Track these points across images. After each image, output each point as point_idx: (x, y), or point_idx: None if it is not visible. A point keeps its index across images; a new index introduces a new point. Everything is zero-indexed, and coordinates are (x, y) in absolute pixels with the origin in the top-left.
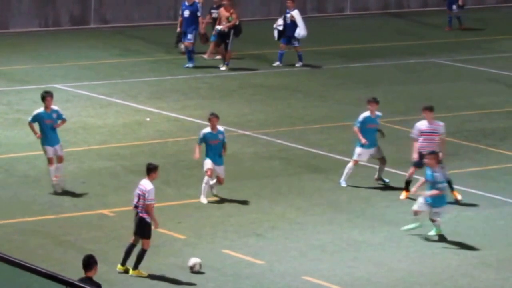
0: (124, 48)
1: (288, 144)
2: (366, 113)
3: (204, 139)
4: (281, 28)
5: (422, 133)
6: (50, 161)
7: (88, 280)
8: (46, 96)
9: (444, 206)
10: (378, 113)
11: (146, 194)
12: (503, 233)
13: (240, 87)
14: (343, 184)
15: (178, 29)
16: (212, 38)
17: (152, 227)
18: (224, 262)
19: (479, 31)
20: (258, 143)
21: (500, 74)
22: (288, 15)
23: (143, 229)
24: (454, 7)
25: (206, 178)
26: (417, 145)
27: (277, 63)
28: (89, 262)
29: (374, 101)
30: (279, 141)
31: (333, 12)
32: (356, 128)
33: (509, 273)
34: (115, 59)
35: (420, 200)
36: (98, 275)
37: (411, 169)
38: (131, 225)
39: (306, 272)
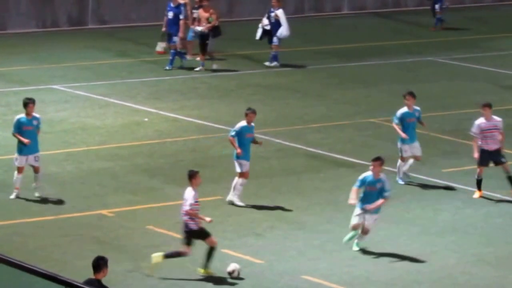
0: (122, 48)
1: (287, 143)
2: (404, 109)
3: (241, 132)
4: (268, 27)
5: (482, 131)
6: (19, 170)
7: (95, 282)
8: (28, 103)
9: (379, 213)
10: (416, 107)
11: (184, 201)
12: (501, 230)
13: (238, 87)
14: (400, 182)
15: (164, 29)
16: (189, 38)
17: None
18: (223, 262)
19: (477, 29)
20: None
21: (498, 73)
22: (272, 14)
23: (195, 235)
24: (436, 7)
25: (241, 180)
26: (477, 144)
27: (274, 63)
28: (98, 264)
29: (411, 95)
30: (277, 140)
31: (331, 11)
32: (394, 124)
33: (507, 270)
34: (113, 60)
35: (357, 211)
36: None
37: (479, 169)
38: (130, 225)
39: (305, 271)
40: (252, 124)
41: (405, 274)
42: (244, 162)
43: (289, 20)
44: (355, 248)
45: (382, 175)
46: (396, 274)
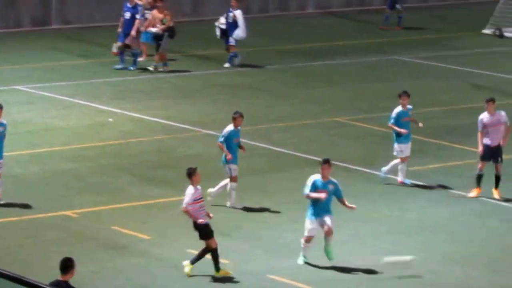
0: (86, 48)
1: (252, 143)
2: (398, 108)
3: (229, 137)
4: (223, 26)
5: (485, 125)
6: None
7: (63, 283)
8: None
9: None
10: (409, 106)
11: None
12: (466, 229)
13: (203, 86)
14: (382, 175)
15: (119, 29)
16: (143, 39)
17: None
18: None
19: (441, 28)
20: None
21: (462, 71)
22: (230, 14)
23: (199, 232)
24: (398, 6)
25: (233, 184)
26: (481, 138)
27: (237, 60)
28: (66, 265)
29: (405, 94)
30: (243, 140)
31: (296, 10)
32: (391, 124)
33: (473, 269)
34: (77, 60)
35: (310, 222)
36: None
37: (480, 164)
38: (95, 226)
39: (272, 270)
40: (239, 127)
41: (372, 273)
42: (233, 166)
43: (254, 19)
44: (330, 257)
45: (331, 178)
46: (363, 273)
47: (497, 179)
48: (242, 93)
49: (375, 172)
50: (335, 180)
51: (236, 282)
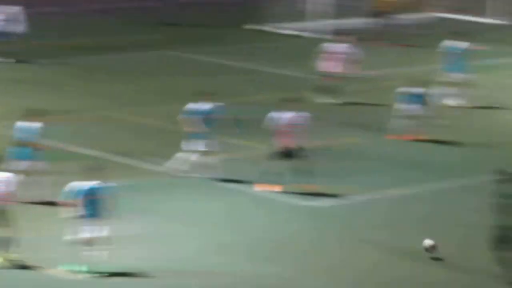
0: None
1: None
2: (196, 105)
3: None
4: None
5: (283, 125)
6: None
7: None
8: None
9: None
10: (214, 104)
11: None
12: (242, 220)
13: None
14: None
15: None
16: None
17: None
18: None
19: (205, 23)
20: None
21: (235, 66)
22: (10, 11)
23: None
24: None
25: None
26: (279, 137)
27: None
28: None
29: (205, 93)
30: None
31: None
32: (184, 118)
33: (248, 259)
34: None
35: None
36: None
37: (275, 161)
38: None
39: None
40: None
41: (150, 262)
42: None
43: (35, 15)
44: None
45: (98, 182)
46: (138, 263)
47: (300, 173)
48: (19, 87)
49: (156, 167)
50: (102, 185)
51: (13, 274)
